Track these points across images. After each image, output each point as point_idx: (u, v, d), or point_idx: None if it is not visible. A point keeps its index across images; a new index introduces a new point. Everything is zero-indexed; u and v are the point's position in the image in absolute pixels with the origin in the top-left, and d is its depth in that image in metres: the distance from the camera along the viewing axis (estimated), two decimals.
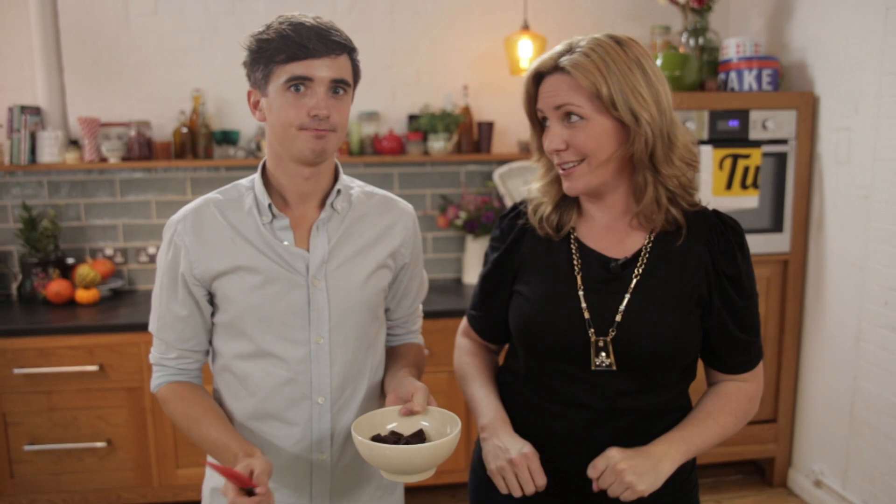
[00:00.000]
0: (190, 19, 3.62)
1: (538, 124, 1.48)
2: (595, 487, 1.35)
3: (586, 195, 1.47)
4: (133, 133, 3.54)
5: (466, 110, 3.75)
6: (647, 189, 1.40)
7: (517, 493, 1.36)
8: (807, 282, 3.44)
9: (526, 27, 3.64)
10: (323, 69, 1.38)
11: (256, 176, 1.52)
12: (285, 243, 1.48)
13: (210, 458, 1.44)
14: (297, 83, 1.38)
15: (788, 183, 3.35)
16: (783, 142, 3.31)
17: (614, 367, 1.40)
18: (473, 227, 3.67)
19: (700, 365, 1.55)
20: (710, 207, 1.49)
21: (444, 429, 1.38)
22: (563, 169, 1.42)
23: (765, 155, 3.29)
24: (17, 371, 3.05)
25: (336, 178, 1.56)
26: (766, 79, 3.30)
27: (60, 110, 3.57)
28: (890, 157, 2.90)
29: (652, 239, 1.44)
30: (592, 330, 1.41)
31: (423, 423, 1.41)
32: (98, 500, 3.21)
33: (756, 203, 3.26)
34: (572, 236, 1.49)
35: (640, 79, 1.35)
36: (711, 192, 3.17)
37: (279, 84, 1.39)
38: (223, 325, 1.52)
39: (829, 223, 3.27)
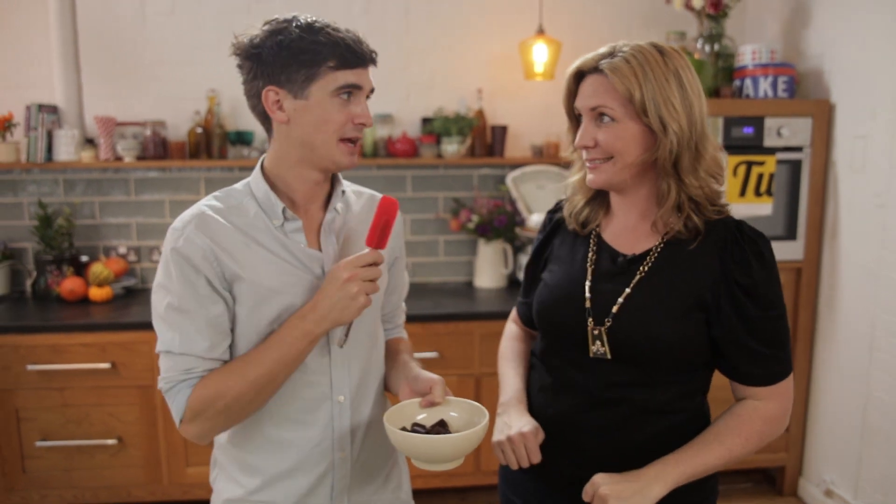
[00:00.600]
0: (206, 19, 3.65)
1: (575, 120, 1.54)
2: None
3: (611, 190, 1.54)
4: (148, 132, 3.56)
5: (480, 114, 3.76)
6: (669, 195, 1.45)
7: (514, 467, 1.49)
8: (820, 290, 3.42)
9: (541, 31, 3.64)
10: (367, 77, 1.43)
11: (256, 178, 1.50)
12: (302, 245, 1.48)
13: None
14: (349, 90, 1.40)
15: (803, 190, 3.34)
16: (798, 149, 3.29)
17: (609, 356, 1.46)
18: (486, 230, 3.67)
19: (718, 378, 1.55)
20: (735, 217, 1.50)
21: (472, 419, 1.44)
22: (590, 163, 1.50)
23: (779, 162, 3.28)
24: (30, 367, 3.07)
25: (335, 177, 1.57)
26: (781, 86, 3.29)
27: (77, 109, 3.59)
28: None
29: (664, 241, 1.48)
30: (591, 319, 1.48)
31: (452, 413, 1.47)
32: (108, 497, 3.23)
33: (770, 210, 3.25)
34: (595, 232, 1.58)
35: (674, 89, 1.41)
36: (725, 199, 3.16)
37: (328, 90, 1.39)
38: (238, 329, 1.46)
39: (843, 231, 3.26)
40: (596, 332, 1.47)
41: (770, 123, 3.26)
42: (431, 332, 3.23)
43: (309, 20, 1.40)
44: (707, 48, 3.49)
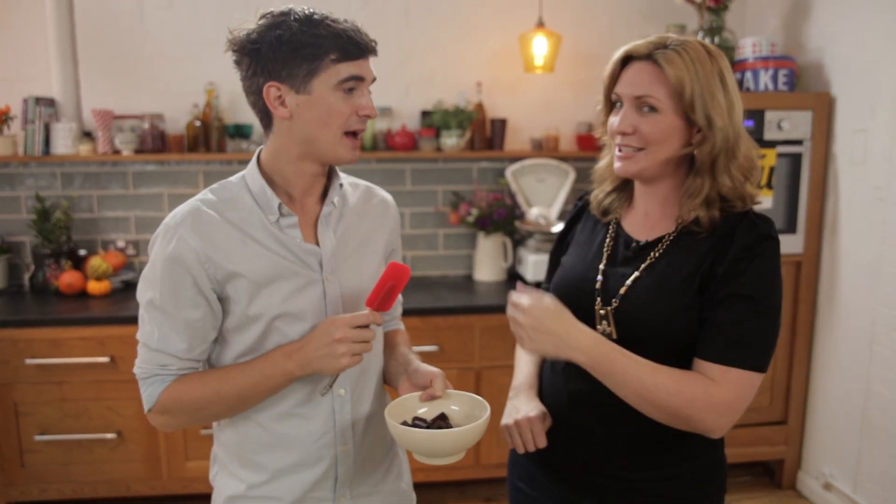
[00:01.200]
0: (204, 12, 3.63)
1: (609, 103, 1.53)
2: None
3: (638, 180, 1.54)
4: (146, 126, 3.55)
5: (479, 107, 3.75)
6: (701, 191, 1.45)
7: (520, 451, 1.52)
8: (820, 283, 3.42)
9: (541, 24, 3.62)
10: (370, 68, 1.42)
11: (252, 172, 1.48)
12: (298, 240, 1.47)
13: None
14: (353, 82, 1.38)
15: (803, 184, 3.33)
16: (798, 142, 3.29)
17: (614, 336, 1.48)
18: (485, 223, 3.66)
19: None
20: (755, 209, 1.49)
21: (473, 413, 1.44)
22: (621, 150, 1.49)
23: (779, 155, 3.27)
24: (28, 361, 3.06)
25: (332, 171, 1.55)
26: (781, 79, 3.28)
27: (74, 102, 3.58)
28: None
29: (678, 229, 1.49)
30: (599, 299, 1.51)
31: (453, 407, 1.47)
32: (107, 491, 3.22)
33: (770, 203, 3.25)
34: (615, 220, 1.61)
35: (719, 88, 1.41)
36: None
37: (331, 83, 1.37)
38: (234, 328, 1.46)
39: (843, 225, 3.25)
40: (602, 312, 1.50)
41: (770, 116, 3.25)
42: (431, 325, 3.22)
43: (307, 12, 1.38)
44: (707, 41, 3.48)
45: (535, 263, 3.53)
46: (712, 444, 1.53)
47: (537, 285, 1.72)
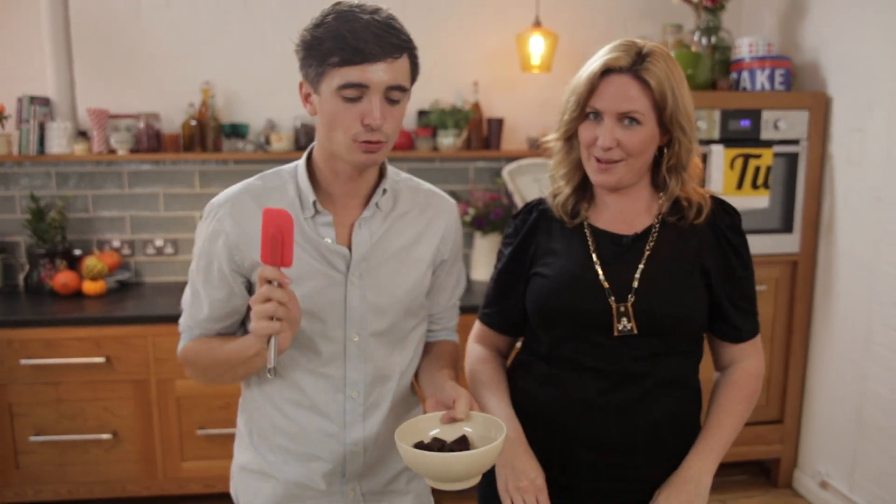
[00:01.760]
0: (201, 12, 3.61)
1: (582, 114, 1.52)
2: None
3: (616, 187, 1.56)
4: (142, 125, 3.54)
5: (476, 107, 3.74)
6: (670, 186, 1.55)
7: None
8: (816, 283, 3.42)
9: (538, 24, 3.62)
10: (379, 73, 1.32)
11: (301, 165, 1.49)
12: (327, 240, 1.46)
13: None
14: (352, 89, 1.32)
15: (799, 183, 3.33)
16: (795, 142, 3.29)
17: (635, 331, 1.50)
18: (482, 223, 3.65)
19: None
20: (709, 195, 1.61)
21: (488, 434, 1.36)
22: (602, 163, 1.50)
23: (776, 155, 3.27)
24: (23, 362, 3.04)
25: (382, 173, 1.52)
26: (778, 79, 3.28)
27: (69, 101, 3.56)
28: None
29: (660, 220, 1.56)
30: (613, 298, 1.51)
31: (466, 429, 1.38)
32: (103, 492, 3.21)
33: (766, 203, 3.25)
34: (585, 223, 1.60)
35: (687, 93, 1.49)
36: (722, 192, 3.16)
37: (332, 88, 1.33)
38: None
39: (839, 224, 3.26)
40: (622, 308, 1.50)
41: (767, 116, 3.25)
42: None
43: (343, 8, 1.35)
44: (704, 41, 3.48)
45: None
46: None
47: (487, 307, 1.70)
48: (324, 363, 1.50)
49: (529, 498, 1.47)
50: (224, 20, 3.58)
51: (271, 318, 1.28)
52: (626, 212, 1.58)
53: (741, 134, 3.24)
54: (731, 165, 3.18)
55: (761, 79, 3.28)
